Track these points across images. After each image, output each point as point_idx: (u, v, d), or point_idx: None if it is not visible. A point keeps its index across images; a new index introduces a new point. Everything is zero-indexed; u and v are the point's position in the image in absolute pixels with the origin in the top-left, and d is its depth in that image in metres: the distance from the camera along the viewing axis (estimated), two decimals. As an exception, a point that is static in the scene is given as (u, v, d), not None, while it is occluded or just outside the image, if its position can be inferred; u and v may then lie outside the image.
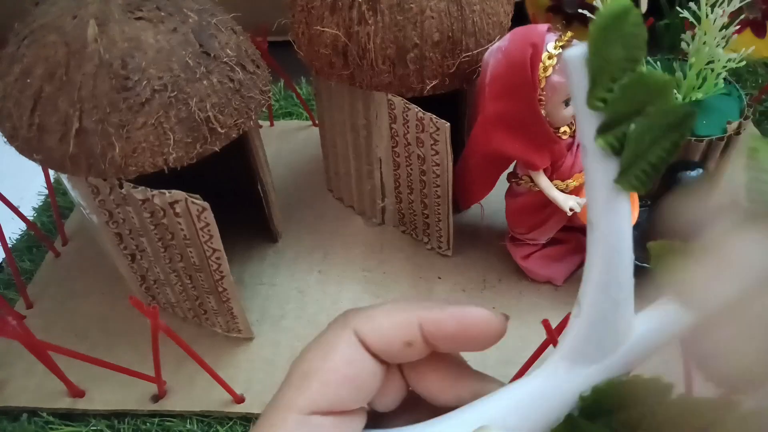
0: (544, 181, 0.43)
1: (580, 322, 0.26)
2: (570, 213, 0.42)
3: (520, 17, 0.61)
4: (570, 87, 0.21)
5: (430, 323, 0.23)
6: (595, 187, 0.23)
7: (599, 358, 0.26)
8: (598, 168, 0.22)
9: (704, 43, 0.46)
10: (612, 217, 0.24)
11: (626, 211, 0.24)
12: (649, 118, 0.21)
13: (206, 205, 0.36)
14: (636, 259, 0.47)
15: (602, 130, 0.22)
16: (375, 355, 0.22)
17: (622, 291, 0.26)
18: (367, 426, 0.23)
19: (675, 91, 0.48)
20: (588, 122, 0.21)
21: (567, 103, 0.40)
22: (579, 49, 0.20)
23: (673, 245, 0.25)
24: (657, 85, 0.21)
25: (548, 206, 0.45)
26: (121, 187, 0.36)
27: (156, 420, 0.42)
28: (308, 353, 0.23)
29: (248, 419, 0.42)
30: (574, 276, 0.49)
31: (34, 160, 0.36)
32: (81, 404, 0.42)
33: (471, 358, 0.46)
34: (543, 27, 0.39)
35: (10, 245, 0.52)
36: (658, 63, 0.51)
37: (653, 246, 0.25)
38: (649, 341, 0.26)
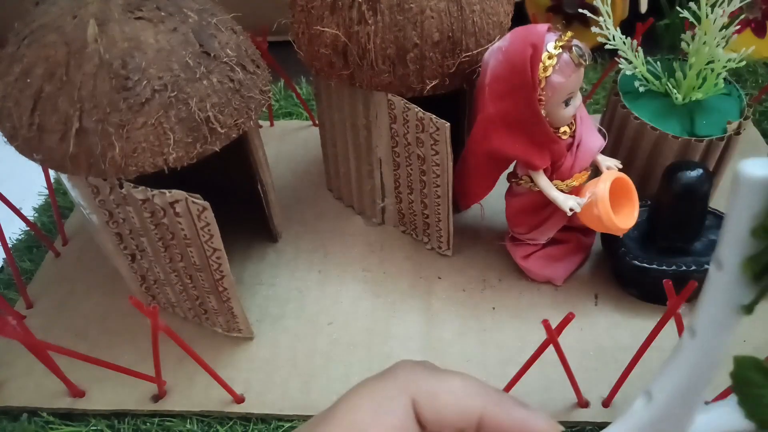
0: (543, 181, 0.43)
1: (648, 411, 0.27)
2: (570, 213, 0.42)
3: (520, 17, 0.61)
4: (734, 202, 0.21)
5: (493, 421, 0.23)
6: (715, 303, 0.24)
7: None
8: (728, 288, 0.23)
9: (704, 43, 0.46)
10: (721, 335, 0.25)
11: (733, 331, 0.25)
12: None
13: (206, 204, 0.36)
14: (635, 258, 0.47)
15: (754, 258, 0.22)
16: (423, 426, 0.23)
17: (699, 397, 0.26)
18: None
19: (675, 90, 0.48)
20: (738, 243, 0.22)
21: (567, 103, 0.40)
22: (762, 170, 0.20)
23: (759, 362, 0.25)
24: None
25: (548, 206, 0.45)
26: (121, 187, 0.36)
27: (156, 420, 0.42)
28: (361, 398, 0.23)
29: (248, 419, 0.42)
30: (574, 276, 0.49)
31: (34, 160, 0.36)
32: (81, 404, 0.42)
33: (471, 358, 0.46)
34: (543, 27, 0.39)
35: (10, 245, 0.52)
36: (658, 63, 0.51)
37: (738, 359, 0.25)
38: None
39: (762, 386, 0.25)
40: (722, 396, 0.39)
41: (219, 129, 0.37)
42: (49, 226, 0.56)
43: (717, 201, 0.53)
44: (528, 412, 0.24)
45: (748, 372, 0.25)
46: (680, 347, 0.27)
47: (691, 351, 0.26)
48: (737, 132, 0.47)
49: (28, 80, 0.35)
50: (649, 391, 0.27)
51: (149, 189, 0.36)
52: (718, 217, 0.47)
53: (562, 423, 0.39)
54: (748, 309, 0.24)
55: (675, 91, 0.48)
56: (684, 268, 0.44)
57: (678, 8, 0.53)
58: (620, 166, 0.44)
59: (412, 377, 0.24)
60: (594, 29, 0.47)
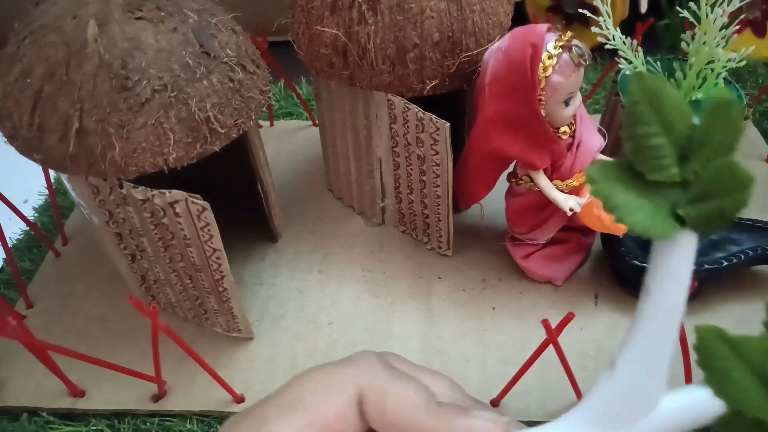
0: (543, 181, 0.43)
1: (611, 384, 0.26)
2: (570, 213, 0.42)
3: (520, 17, 0.61)
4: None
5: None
6: (662, 255, 0.24)
7: (619, 426, 0.26)
8: (668, 241, 0.24)
9: (704, 43, 0.46)
10: (671, 287, 0.25)
11: (685, 285, 0.25)
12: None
13: (206, 204, 0.36)
14: (635, 258, 0.47)
15: (689, 202, 0.23)
16: (366, 421, 0.24)
17: (661, 365, 0.26)
18: None
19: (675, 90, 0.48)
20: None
21: (567, 102, 0.40)
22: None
23: (723, 333, 0.24)
24: (744, 177, 0.22)
25: (548, 206, 0.45)
26: (121, 187, 0.36)
27: (156, 420, 0.42)
28: (314, 381, 0.24)
29: (248, 419, 0.42)
30: (574, 276, 0.49)
31: (34, 159, 0.36)
32: (81, 404, 0.42)
33: (471, 358, 0.46)
34: (543, 27, 0.39)
35: (10, 245, 0.52)
36: (658, 63, 0.51)
37: (700, 329, 0.24)
38: (672, 420, 0.26)
39: (726, 358, 0.24)
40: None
41: (219, 129, 0.37)
42: (49, 226, 0.56)
43: (717, 201, 0.53)
44: (470, 420, 0.24)
45: (711, 343, 0.24)
46: (637, 311, 0.26)
47: (647, 312, 0.26)
48: (737, 132, 0.47)
49: (28, 80, 0.35)
50: (612, 360, 0.27)
51: (149, 189, 0.36)
52: (718, 217, 0.47)
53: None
54: (687, 210, 0.24)
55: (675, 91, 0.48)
56: (684, 268, 0.44)
57: (678, 8, 0.53)
58: (620, 166, 0.44)
59: (368, 371, 0.24)
60: (594, 29, 0.47)
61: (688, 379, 0.39)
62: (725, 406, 0.25)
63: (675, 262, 0.25)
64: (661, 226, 0.24)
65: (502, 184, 0.47)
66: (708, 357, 0.24)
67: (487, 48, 0.41)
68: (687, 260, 0.25)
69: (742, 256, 0.45)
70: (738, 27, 0.46)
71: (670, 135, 0.23)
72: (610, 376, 0.27)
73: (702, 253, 0.45)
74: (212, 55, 0.37)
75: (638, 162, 0.23)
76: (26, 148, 0.36)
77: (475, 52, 0.42)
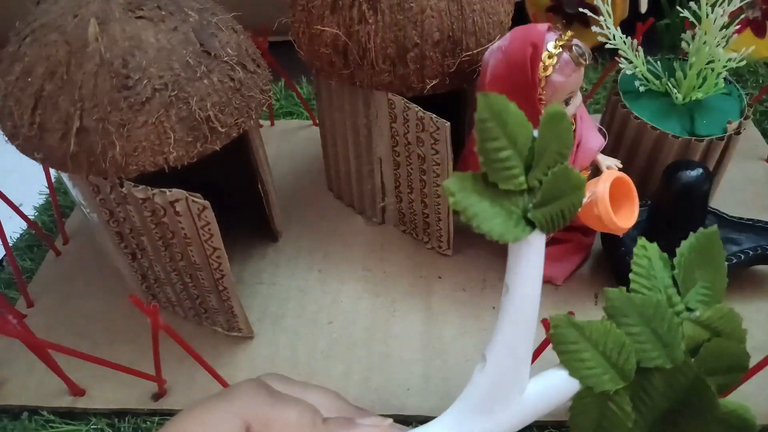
0: (544, 181, 0.43)
1: (485, 376, 0.29)
2: (570, 212, 0.42)
3: (520, 17, 0.62)
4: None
5: None
6: (517, 255, 0.28)
7: (496, 411, 0.29)
8: (521, 242, 0.27)
9: (704, 42, 0.46)
10: (526, 283, 0.28)
11: (538, 279, 0.28)
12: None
13: (206, 203, 0.36)
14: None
15: (535, 206, 0.27)
16: None
17: (525, 352, 0.29)
18: None
19: (675, 90, 0.48)
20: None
21: (567, 102, 0.40)
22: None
23: (572, 320, 0.29)
24: (576, 180, 0.27)
25: (548, 206, 0.45)
26: (121, 185, 0.37)
27: (156, 419, 0.42)
28: (191, 420, 0.24)
29: (248, 418, 0.42)
30: (574, 275, 0.49)
31: (34, 158, 0.36)
32: (81, 403, 0.42)
33: (471, 357, 0.46)
34: (543, 26, 0.39)
35: (11, 244, 0.52)
36: (659, 63, 0.51)
37: (553, 319, 0.29)
38: (539, 401, 0.30)
39: (576, 341, 0.28)
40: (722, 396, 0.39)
41: (219, 128, 0.37)
42: (50, 225, 0.56)
43: (717, 201, 0.53)
44: (356, 430, 0.26)
45: (563, 330, 0.28)
46: (501, 306, 0.29)
47: (509, 306, 0.28)
48: (737, 132, 0.47)
49: (29, 79, 0.35)
50: (483, 354, 0.30)
51: (149, 188, 0.36)
52: (718, 217, 0.47)
53: (561, 422, 0.39)
54: (535, 214, 0.27)
55: (675, 90, 0.48)
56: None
57: (678, 8, 0.53)
58: (620, 166, 0.45)
59: (250, 402, 0.25)
60: (594, 29, 0.47)
61: None
62: (579, 383, 0.29)
63: (528, 260, 0.28)
64: (513, 231, 0.26)
65: (502, 183, 0.47)
66: (561, 342, 0.28)
67: (488, 47, 0.41)
68: (538, 257, 0.28)
69: (742, 256, 0.45)
70: (738, 27, 0.46)
71: (515, 147, 0.26)
72: (482, 369, 0.29)
73: (702, 252, 0.45)
74: (213, 54, 0.37)
75: (491, 173, 0.26)
76: (27, 147, 0.36)
77: (475, 51, 0.42)
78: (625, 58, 0.49)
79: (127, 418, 0.42)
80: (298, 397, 0.27)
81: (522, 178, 0.26)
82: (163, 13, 0.36)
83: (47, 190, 0.59)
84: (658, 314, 0.29)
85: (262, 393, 0.25)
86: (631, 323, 0.29)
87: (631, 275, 0.30)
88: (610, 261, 0.48)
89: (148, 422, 0.42)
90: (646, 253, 0.30)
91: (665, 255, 0.30)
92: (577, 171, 0.27)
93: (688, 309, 0.30)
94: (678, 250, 0.30)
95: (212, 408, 0.25)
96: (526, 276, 0.28)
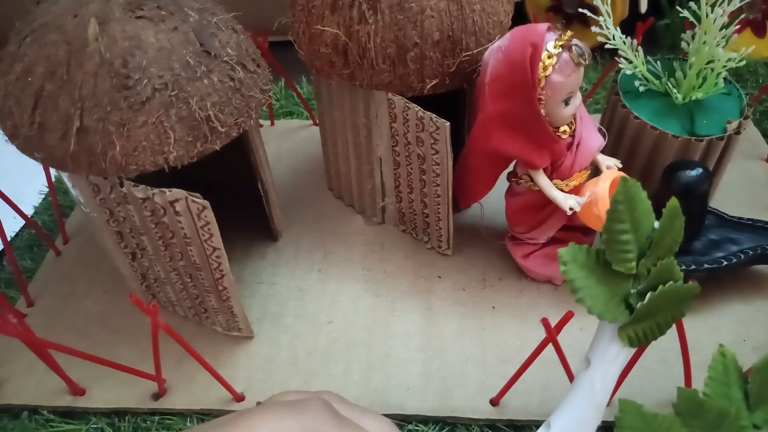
0: (543, 181, 0.43)
1: None
2: (570, 212, 0.42)
3: (520, 17, 0.62)
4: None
5: None
6: (609, 336, 0.30)
7: None
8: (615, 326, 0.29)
9: (704, 42, 0.46)
10: (612, 365, 0.30)
11: (622, 363, 0.30)
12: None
13: (206, 203, 0.36)
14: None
15: (638, 293, 0.28)
16: None
17: (591, 428, 0.30)
18: None
19: (675, 90, 0.48)
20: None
21: (567, 102, 0.40)
22: None
23: (641, 408, 0.29)
24: (676, 274, 0.28)
25: (548, 205, 0.45)
26: (121, 185, 0.37)
27: (156, 418, 0.42)
28: (263, 420, 0.25)
29: (248, 417, 0.42)
30: (574, 275, 0.49)
31: (35, 158, 0.36)
32: (81, 402, 0.42)
33: (471, 357, 0.46)
34: (543, 26, 0.39)
35: (11, 243, 0.52)
36: (659, 62, 0.51)
37: (623, 403, 0.29)
38: None
39: (640, 429, 0.29)
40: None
41: (219, 128, 0.37)
42: (50, 224, 0.56)
43: (717, 200, 0.53)
44: None
45: (630, 416, 0.29)
46: (577, 379, 0.31)
47: (586, 380, 0.30)
48: (737, 131, 0.47)
49: (29, 79, 0.35)
50: (548, 421, 0.31)
51: (149, 188, 0.36)
52: (718, 217, 0.47)
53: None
54: (625, 330, 0.29)
55: (675, 90, 0.48)
56: (683, 267, 0.44)
57: (678, 8, 0.53)
58: (620, 166, 0.45)
59: (318, 420, 0.25)
60: (594, 29, 0.47)
61: (688, 383, 0.39)
62: None
63: (615, 343, 0.30)
64: (613, 311, 0.28)
65: (502, 183, 0.47)
66: (626, 428, 0.29)
67: (488, 47, 0.41)
68: (628, 353, 0.30)
69: (742, 256, 0.45)
70: (738, 27, 0.46)
71: (636, 233, 0.28)
72: None
73: (702, 252, 0.45)
74: (213, 54, 0.37)
75: (609, 252, 0.28)
76: (27, 147, 0.36)
77: (475, 51, 0.42)
78: (625, 58, 0.49)
79: (127, 418, 0.42)
80: (357, 422, 0.27)
81: (634, 264, 0.28)
82: (163, 13, 0.36)
83: (47, 190, 0.59)
84: (725, 425, 0.28)
85: (330, 414, 0.26)
86: (697, 426, 0.28)
87: (706, 379, 0.30)
88: (610, 261, 0.48)
89: (148, 422, 0.42)
90: (724, 360, 0.29)
91: (741, 367, 0.30)
92: (678, 268, 0.28)
93: (755, 426, 0.29)
94: (754, 366, 0.29)
95: (283, 416, 0.25)
96: (613, 359, 0.30)
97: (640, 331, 0.29)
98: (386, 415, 0.31)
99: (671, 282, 0.28)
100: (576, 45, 0.38)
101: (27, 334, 0.37)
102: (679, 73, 0.49)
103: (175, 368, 0.43)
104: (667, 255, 0.28)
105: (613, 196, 0.28)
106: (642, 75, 0.49)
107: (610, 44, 0.48)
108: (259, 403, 0.29)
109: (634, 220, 0.28)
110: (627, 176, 0.42)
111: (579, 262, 0.28)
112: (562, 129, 0.42)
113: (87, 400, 0.42)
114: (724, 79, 0.48)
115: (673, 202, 0.28)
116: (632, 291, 0.29)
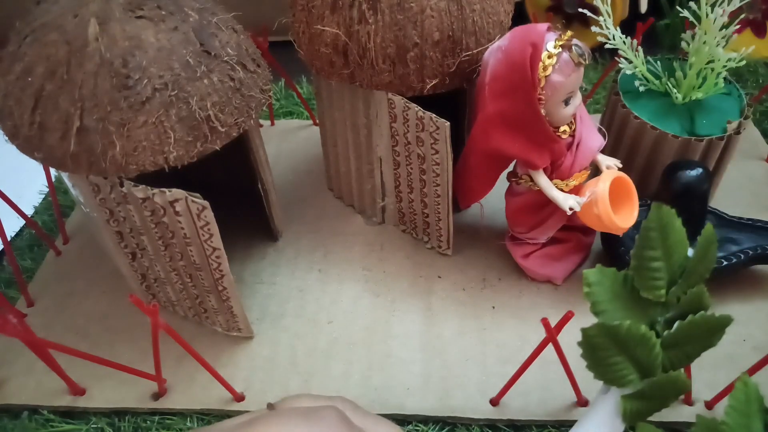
0: (543, 181, 0.43)
1: None
2: (570, 212, 0.42)
3: (520, 17, 0.62)
4: None
5: None
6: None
7: None
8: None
9: (704, 42, 0.46)
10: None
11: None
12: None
13: (206, 203, 0.36)
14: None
15: (665, 321, 0.28)
16: None
17: None
18: None
19: (675, 90, 0.48)
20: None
21: (567, 102, 0.40)
22: None
23: (608, 328, 0.28)
24: (706, 302, 0.28)
25: (548, 205, 0.45)
26: (121, 185, 0.37)
27: (156, 418, 0.42)
28: (280, 427, 0.25)
29: (248, 417, 0.42)
30: (574, 275, 0.49)
31: (35, 158, 0.36)
32: (81, 402, 0.42)
33: (471, 357, 0.46)
34: (543, 26, 0.39)
35: (11, 243, 0.52)
36: (659, 62, 0.51)
37: (584, 330, 0.28)
38: None
39: (606, 348, 0.28)
40: (722, 396, 0.39)
41: (219, 128, 0.37)
42: (50, 224, 0.56)
43: (717, 200, 0.53)
44: None
45: (594, 339, 0.28)
46: (595, 402, 0.31)
47: (605, 405, 0.30)
48: (737, 131, 0.47)
49: (30, 79, 0.35)
50: None
51: (149, 188, 0.36)
52: (718, 217, 0.47)
53: (561, 422, 0.40)
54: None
55: (675, 90, 0.48)
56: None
57: (678, 8, 0.53)
58: (620, 166, 0.45)
59: (334, 428, 0.25)
60: (594, 29, 0.47)
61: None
62: (604, 384, 0.30)
63: None
64: None
65: (502, 183, 0.47)
66: (590, 350, 0.29)
67: (488, 47, 0.41)
68: None
69: (742, 256, 0.45)
70: (738, 27, 0.46)
71: (668, 261, 0.27)
72: None
73: (702, 252, 0.45)
74: (213, 54, 0.37)
75: (638, 278, 0.27)
76: (27, 147, 0.36)
77: (475, 51, 0.42)
78: (625, 58, 0.49)
79: (127, 418, 0.42)
80: (371, 431, 0.27)
81: (663, 291, 0.28)
82: (163, 12, 0.36)
83: (47, 190, 0.59)
84: None
85: (344, 424, 0.26)
86: None
87: (726, 408, 0.29)
88: (610, 261, 0.48)
89: (148, 422, 0.42)
90: (746, 390, 0.29)
91: (762, 398, 0.29)
92: (708, 297, 0.28)
93: None
94: None
95: (297, 424, 0.25)
96: None
97: (667, 360, 0.28)
98: (386, 415, 0.31)
99: (702, 312, 0.27)
100: (576, 45, 0.38)
101: (27, 334, 0.37)
102: (679, 73, 0.49)
103: (175, 368, 0.43)
104: (698, 283, 0.28)
105: (644, 223, 0.27)
106: (642, 75, 0.49)
107: (610, 44, 0.48)
108: (270, 405, 0.29)
109: (667, 247, 0.27)
110: (626, 176, 0.43)
111: (604, 285, 0.27)
112: (562, 129, 0.42)
113: (87, 400, 0.42)
114: (724, 79, 0.48)
115: (709, 229, 0.27)
116: (660, 319, 0.28)
